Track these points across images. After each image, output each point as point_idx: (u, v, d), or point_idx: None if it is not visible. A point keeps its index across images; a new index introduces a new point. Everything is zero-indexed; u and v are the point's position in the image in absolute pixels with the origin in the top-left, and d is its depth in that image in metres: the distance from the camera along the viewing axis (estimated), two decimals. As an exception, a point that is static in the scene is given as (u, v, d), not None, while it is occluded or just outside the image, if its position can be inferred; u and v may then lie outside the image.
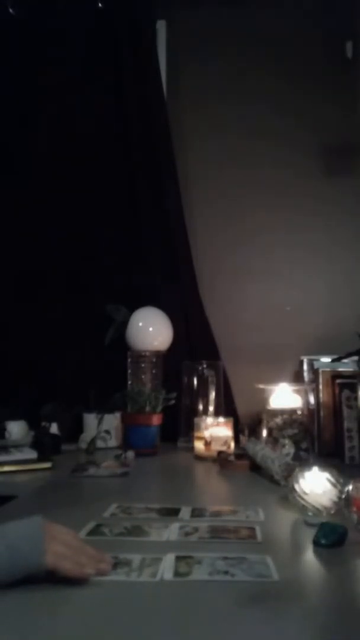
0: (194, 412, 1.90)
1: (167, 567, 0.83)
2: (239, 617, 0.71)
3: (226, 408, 1.97)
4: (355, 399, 1.66)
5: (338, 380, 1.78)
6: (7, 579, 0.75)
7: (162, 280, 2.09)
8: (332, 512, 1.07)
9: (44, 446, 1.67)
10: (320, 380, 1.83)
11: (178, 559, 0.86)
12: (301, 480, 1.10)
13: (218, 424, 1.77)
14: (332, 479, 1.08)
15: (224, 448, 1.71)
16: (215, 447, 1.71)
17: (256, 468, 1.51)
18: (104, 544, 0.92)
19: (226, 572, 0.82)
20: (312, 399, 1.82)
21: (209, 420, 1.79)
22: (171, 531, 1.01)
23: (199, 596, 0.76)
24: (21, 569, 0.75)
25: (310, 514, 1.08)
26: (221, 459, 1.63)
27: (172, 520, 1.08)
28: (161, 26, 2.20)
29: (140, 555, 0.87)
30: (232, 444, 1.75)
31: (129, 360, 1.94)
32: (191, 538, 0.99)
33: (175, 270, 2.09)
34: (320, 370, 1.85)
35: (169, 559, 0.86)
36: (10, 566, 0.75)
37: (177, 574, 0.82)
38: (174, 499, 1.24)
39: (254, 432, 1.82)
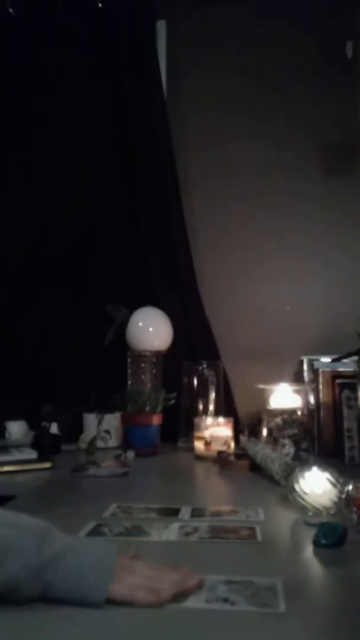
0: (194, 412, 1.90)
1: None
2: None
3: (226, 408, 1.97)
4: (355, 399, 1.66)
5: (338, 380, 1.78)
6: (64, 598, 0.72)
7: (162, 280, 2.09)
8: (332, 512, 1.07)
9: (44, 446, 1.67)
10: (320, 380, 1.83)
11: None
12: (301, 480, 1.10)
13: (218, 424, 1.77)
14: (332, 479, 1.08)
15: (224, 448, 1.71)
16: (215, 447, 1.71)
17: (256, 468, 1.51)
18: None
19: (226, 600, 0.74)
20: (312, 399, 1.82)
21: (209, 420, 1.79)
22: (171, 531, 1.01)
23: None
24: (82, 594, 0.72)
25: (310, 514, 1.08)
26: (221, 459, 1.63)
27: (172, 520, 1.07)
28: (161, 26, 2.20)
29: None
30: (232, 444, 1.75)
31: (129, 360, 1.94)
32: (191, 538, 0.98)
33: (175, 270, 2.09)
34: (320, 370, 1.85)
35: None
36: (72, 588, 0.72)
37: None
38: (174, 499, 1.24)
39: (254, 432, 1.82)
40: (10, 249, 2.10)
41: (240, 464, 1.57)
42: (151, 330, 1.97)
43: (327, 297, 2.10)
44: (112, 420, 1.86)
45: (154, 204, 2.10)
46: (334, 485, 1.08)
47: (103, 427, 1.82)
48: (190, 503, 1.19)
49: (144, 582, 0.74)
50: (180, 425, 1.94)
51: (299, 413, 1.70)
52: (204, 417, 1.82)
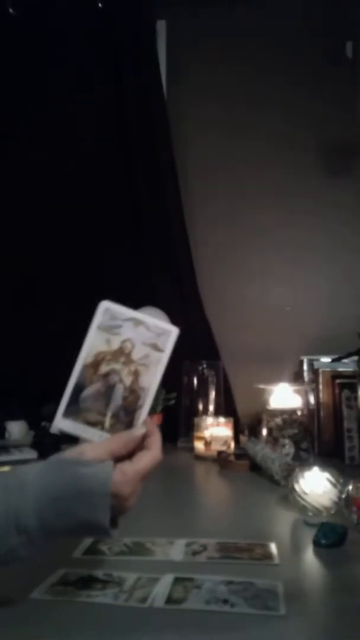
0: (194, 412, 1.90)
1: (161, 590, 0.76)
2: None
3: (226, 408, 1.97)
4: (355, 399, 1.66)
5: (338, 380, 1.78)
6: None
7: (162, 281, 2.09)
8: (332, 512, 1.07)
9: (44, 446, 1.67)
10: (320, 380, 1.83)
11: (176, 581, 0.79)
12: (301, 480, 1.10)
13: (218, 424, 1.77)
14: (332, 479, 1.08)
15: (224, 448, 1.71)
16: (215, 447, 1.71)
17: (256, 468, 1.51)
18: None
19: (226, 602, 0.73)
20: (312, 399, 1.82)
21: (209, 420, 1.79)
22: (177, 549, 0.92)
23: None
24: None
25: (310, 514, 1.08)
26: (221, 459, 1.63)
27: (177, 535, 0.99)
28: (161, 26, 2.20)
29: (136, 575, 0.81)
30: (232, 444, 1.75)
31: (129, 360, 1.94)
32: (198, 558, 0.89)
33: (175, 270, 2.09)
34: (320, 370, 1.85)
35: (165, 581, 0.79)
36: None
37: (169, 600, 0.73)
38: (174, 499, 1.24)
39: (254, 432, 1.82)
40: (10, 250, 2.10)
41: (240, 464, 1.57)
42: (151, 330, 1.97)
43: (327, 297, 2.10)
44: (112, 420, 1.85)
45: (154, 203, 2.10)
46: (334, 485, 1.08)
47: (103, 427, 1.81)
48: (190, 504, 1.19)
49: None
50: (180, 425, 1.94)
51: (299, 413, 1.70)
52: (204, 417, 1.82)
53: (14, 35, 2.15)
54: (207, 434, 1.73)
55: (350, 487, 1.04)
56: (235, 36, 2.19)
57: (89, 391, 0.78)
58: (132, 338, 0.81)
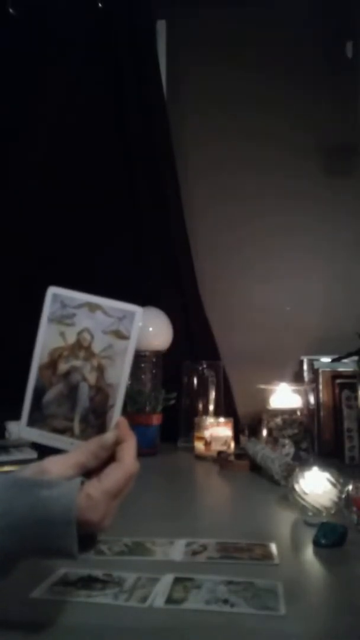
0: (194, 412, 1.91)
1: (161, 590, 0.76)
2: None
3: (226, 408, 1.97)
4: (355, 399, 1.66)
5: (338, 380, 1.78)
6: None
7: (162, 281, 2.09)
8: (332, 512, 1.07)
9: (44, 446, 1.67)
10: (320, 380, 1.83)
11: (176, 581, 0.79)
12: (301, 480, 1.10)
13: (218, 424, 1.77)
14: (332, 479, 1.08)
15: (224, 448, 1.71)
16: (215, 447, 1.71)
17: (256, 468, 1.51)
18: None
19: (226, 601, 0.73)
20: (312, 399, 1.82)
21: (209, 420, 1.79)
22: (176, 549, 0.92)
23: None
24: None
25: (310, 514, 1.08)
26: (221, 459, 1.63)
27: (178, 535, 0.99)
28: (161, 26, 2.20)
29: (135, 575, 0.81)
30: (232, 444, 1.75)
31: (129, 360, 1.94)
32: (198, 558, 0.89)
33: (175, 270, 2.09)
34: (320, 370, 1.85)
35: (165, 581, 0.79)
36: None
37: (169, 600, 0.73)
38: (174, 499, 1.24)
39: (254, 432, 1.82)
40: (10, 249, 2.10)
41: (240, 464, 1.58)
42: (151, 330, 1.97)
43: (327, 297, 2.10)
44: (112, 420, 1.85)
45: (154, 204, 2.10)
46: (334, 485, 1.08)
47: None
48: (191, 504, 1.19)
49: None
50: (180, 425, 1.94)
51: (299, 413, 1.70)
52: (204, 417, 1.82)
53: (14, 35, 2.15)
54: (207, 434, 1.73)
55: (350, 487, 1.04)
56: (235, 36, 2.19)
57: (50, 395, 0.71)
58: (89, 327, 0.70)
